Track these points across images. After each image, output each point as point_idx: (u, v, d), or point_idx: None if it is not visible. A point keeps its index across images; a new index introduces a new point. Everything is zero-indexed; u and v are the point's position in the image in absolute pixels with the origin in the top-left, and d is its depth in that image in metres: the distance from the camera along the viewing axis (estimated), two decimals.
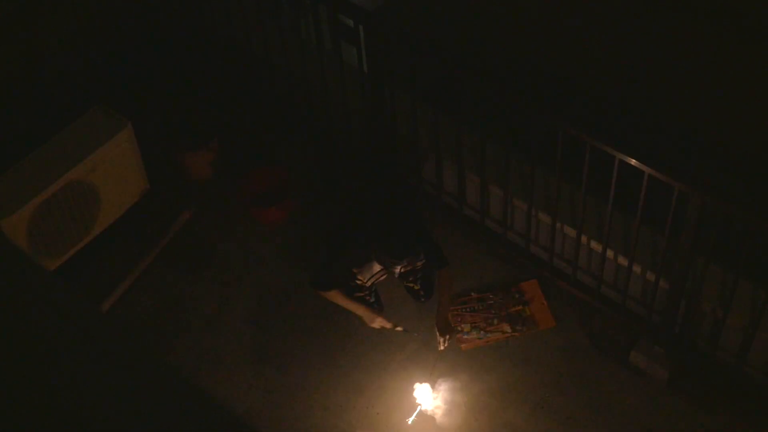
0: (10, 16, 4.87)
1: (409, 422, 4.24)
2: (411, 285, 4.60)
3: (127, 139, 4.73)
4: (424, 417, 4.26)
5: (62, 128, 4.67)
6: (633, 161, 3.74)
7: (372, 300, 4.56)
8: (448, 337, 4.35)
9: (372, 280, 4.47)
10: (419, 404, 4.27)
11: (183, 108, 5.36)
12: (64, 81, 5.20)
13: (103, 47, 5.38)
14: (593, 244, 4.30)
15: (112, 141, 4.66)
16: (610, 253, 4.23)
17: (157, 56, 5.52)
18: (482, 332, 4.49)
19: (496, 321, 4.52)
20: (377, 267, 4.43)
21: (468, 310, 4.57)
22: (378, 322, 4.40)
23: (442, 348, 4.36)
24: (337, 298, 4.39)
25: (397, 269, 4.26)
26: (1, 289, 1.59)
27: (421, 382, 4.30)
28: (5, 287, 1.59)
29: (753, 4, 4.43)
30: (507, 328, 4.50)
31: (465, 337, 4.48)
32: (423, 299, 4.61)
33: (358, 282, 4.46)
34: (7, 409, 1.42)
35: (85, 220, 4.72)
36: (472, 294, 4.62)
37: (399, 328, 4.43)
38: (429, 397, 4.28)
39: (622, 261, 4.22)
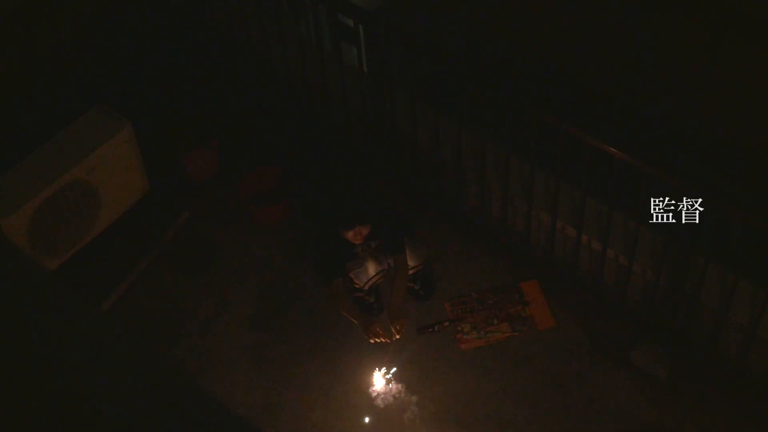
0: (10, 16, 4.87)
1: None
2: (411, 285, 4.60)
3: (127, 139, 4.73)
4: (423, 417, 4.26)
5: (62, 128, 4.67)
6: (633, 161, 3.74)
7: (372, 300, 4.56)
8: (400, 326, 4.27)
9: (369, 284, 4.47)
10: (374, 388, 4.31)
11: (183, 108, 5.36)
12: (64, 81, 5.20)
13: (103, 47, 5.38)
14: (593, 244, 4.30)
15: (112, 141, 4.66)
16: (610, 253, 4.24)
17: (158, 56, 5.52)
18: (482, 332, 4.49)
19: (496, 321, 4.52)
20: (372, 271, 4.44)
21: (468, 310, 4.57)
22: (371, 333, 4.27)
23: (398, 336, 4.28)
24: (342, 294, 4.38)
25: (351, 235, 4.29)
26: (1, 289, 1.59)
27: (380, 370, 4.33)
28: (5, 287, 1.59)
29: (753, 3, 4.43)
30: (507, 328, 4.50)
31: (465, 337, 4.48)
32: (423, 299, 4.61)
33: (356, 286, 4.47)
34: (6, 409, 1.42)
35: (85, 220, 4.72)
36: (472, 294, 4.62)
37: (397, 336, 4.32)
38: (381, 383, 4.31)
39: (623, 261, 4.22)
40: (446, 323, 4.52)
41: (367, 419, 4.25)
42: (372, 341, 4.30)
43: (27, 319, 1.53)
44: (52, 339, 1.50)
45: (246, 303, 4.68)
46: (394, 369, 4.35)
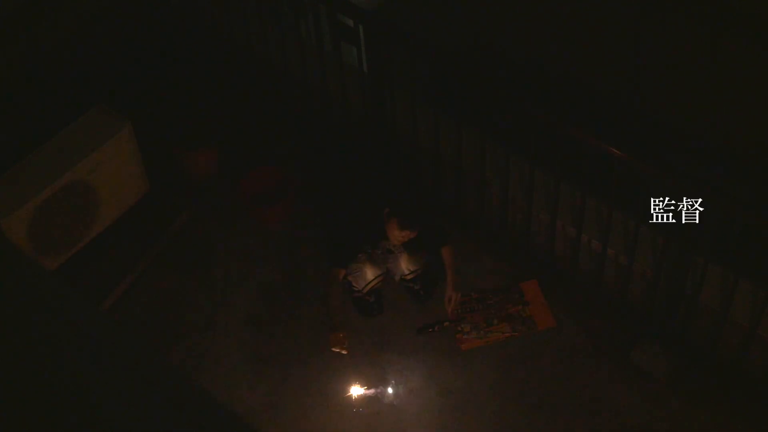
0: (11, 15, 4.87)
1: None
2: (411, 285, 4.60)
3: (127, 139, 4.73)
4: (422, 417, 4.26)
5: (62, 128, 4.67)
6: (633, 161, 3.74)
7: (372, 299, 4.56)
8: (455, 298, 4.42)
9: (368, 287, 4.48)
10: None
11: (183, 108, 5.36)
12: (64, 81, 5.20)
13: (103, 47, 5.38)
14: (593, 244, 4.30)
15: (112, 141, 4.66)
16: (610, 253, 4.24)
17: (158, 56, 5.52)
18: (482, 332, 4.49)
19: (496, 321, 4.52)
20: (370, 275, 4.45)
21: (468, 310, 4.56)
22: (335, 340, 4.28)
23: (450, 309, 4.44)
24: (335, 288, 4.36)
25: (398, 234, 4.28)
26: (1, 289, 1.59)
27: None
28: (5, 287, 1.59)
29: (753, 3, 4.43)
30: (507, 328, 4.50)
31: (465, 337, 4.48)
32: (423, 299, 4.61)
33: (355, 288, 4.46)
34: (7, 408, 1.42)
35: (85, 220, 4.72)
36: (472, 294, 4.62)
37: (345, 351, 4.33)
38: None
39: (623, 261, 4.22)
40: (446, 323, 4.52)
41: (366, 418, 4.26)
42: (332, 349, 4.30)
43: (27, 318, 1.53)
44: (52, 339, 1.50)
45: (246, 303, 4.68)
46: (395, 371, 4.36)
